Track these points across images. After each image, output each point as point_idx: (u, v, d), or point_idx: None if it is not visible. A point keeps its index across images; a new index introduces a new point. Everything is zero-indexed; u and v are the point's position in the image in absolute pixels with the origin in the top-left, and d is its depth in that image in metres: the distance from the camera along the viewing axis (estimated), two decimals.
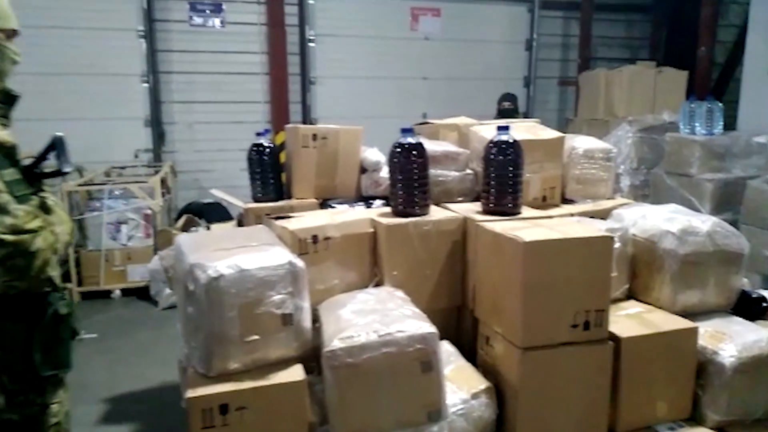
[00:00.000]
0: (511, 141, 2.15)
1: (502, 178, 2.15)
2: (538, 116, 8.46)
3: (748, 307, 2.24)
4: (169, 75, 6.88)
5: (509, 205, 2.16)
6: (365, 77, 7.65)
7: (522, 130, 2.63)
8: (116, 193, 4.97)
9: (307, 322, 1.70)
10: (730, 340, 2.00)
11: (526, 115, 8.37)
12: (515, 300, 1.77)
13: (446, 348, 2.04)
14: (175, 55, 6.87)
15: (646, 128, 5.23)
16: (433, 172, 2.59)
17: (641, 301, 2.24)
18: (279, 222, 1.99)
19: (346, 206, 2.58)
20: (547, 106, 8.69)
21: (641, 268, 2.25)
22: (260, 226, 2.09)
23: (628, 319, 2.06)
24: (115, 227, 4.94)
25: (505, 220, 2.06)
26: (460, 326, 2.25)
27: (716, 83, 7.52)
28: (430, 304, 2.13)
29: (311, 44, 7.30)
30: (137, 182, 5.17)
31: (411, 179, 2.11)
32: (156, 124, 6.83)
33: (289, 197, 2.71)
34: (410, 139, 2.13)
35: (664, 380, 1.98)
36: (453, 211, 2.22)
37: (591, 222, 2.29)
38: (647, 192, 5.18)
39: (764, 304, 2.22)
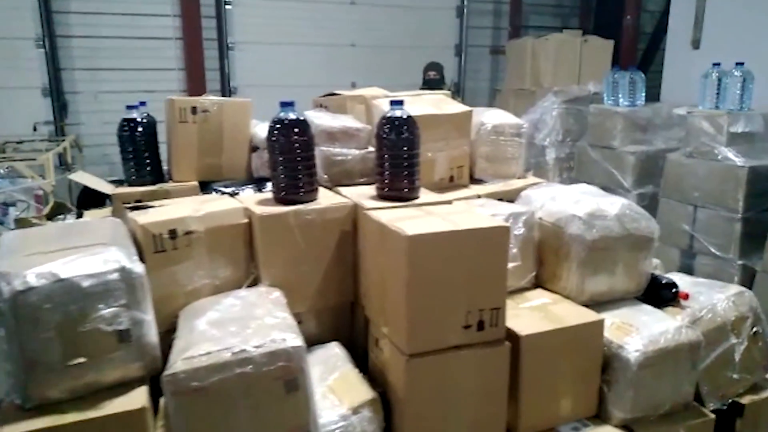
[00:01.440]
0: (405, 117, 1.91)
1: (396, 159, 1.91)
2: (470, 86, 8.34)
3: (658, 293, 2.12)
4: (69, 39, 6.26)
5: (405, 189, 1.93)
6: (289, 43, 7.22)
7: (426, 103, 2.40)
8: (1, 171, 4.46)
9: (150, 337, 1.43)
10: (636, 333, 1.87)
11: (457, 85, 8.20)
12: (400, 300, 1.56)
13: (335, 352, 1.82)
14: (75, 17, 6.24)
15: (572, 99, 5.14)
16: (331, 150, 2.34)
17: (549, 290, 2.08)
18: (131, 213, 1.69)
19: (231, 189, 2.31)
20: (480, 75, 8.53)
21: (548, 255, 2.09)
22: (110, 219, 1.79)
23: (532, 313, 1.90)
24: (2, 210, 4.44)
25: (398, 206, 1.83)
26: (354, 325, 2.03)
27: (644, 53, 7.54)
28: (317, 302, 1.91)
29: (228, 6, 6.81)
30: (25, 159, 4.66)
31: (293, 161, 1.85)
32: (56, 93, 6.23)
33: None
34: (291, 115, 1.85)
35: (568, 377, 1.83)
36: (344, 196, 1.97)
37: (496, 205, 2.10)
38: (573, 165, 5.11)
39: (674, 290, 2.10)
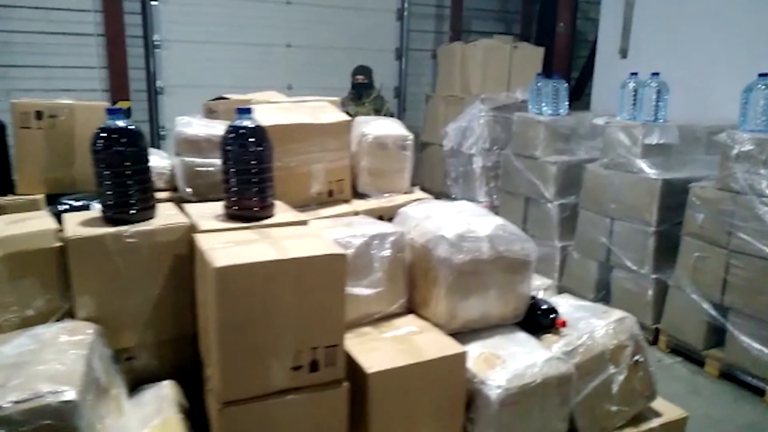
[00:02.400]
0: (252, 127, 1.72)
1: (243, 174, 1.71)
2: (412, 91, 8.19)
3: (536, 320, 1.99)
4: None
5: (255, 208, 1.74)
6: (220, 42, 6.93)
7: (303, 112, 2.22)
8: None
9: None
10: (502, 366, 1.72)
11: (398, 90, 8.05)
12: (213, 339, 1.36)
13: (164, 393, 1.62)
14: None
15: (500, 107, 5.04)
16: (194, 161, 2.16)
17: (421, 316, 1.92)
18: None
19: (82, 203, 2.09)
20: (422, 80, 8.38)
21: (419, 279, 1.93)
22: None
23: (391, 344, 1.73)
24: None
25: (237, 228, 1.64)
26: (198, 359, 1.82)
27: (586, 61, 7.54)
28: (149, 335, 1.69)
29: (154, 2, 6.48)
30: None
31: (121, 174, 1.63)
32: None
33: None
34: (120, 123, 1.64)
35: (427, 416, 1.67)
36: (186, 215, 1.76)
37: (364, 224, 1.92)
38: (500, 173, 5.01)
39: (552, 316, 1.97)
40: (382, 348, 1.70)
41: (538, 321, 1.99)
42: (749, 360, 3.12)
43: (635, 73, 3.87)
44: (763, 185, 3.00)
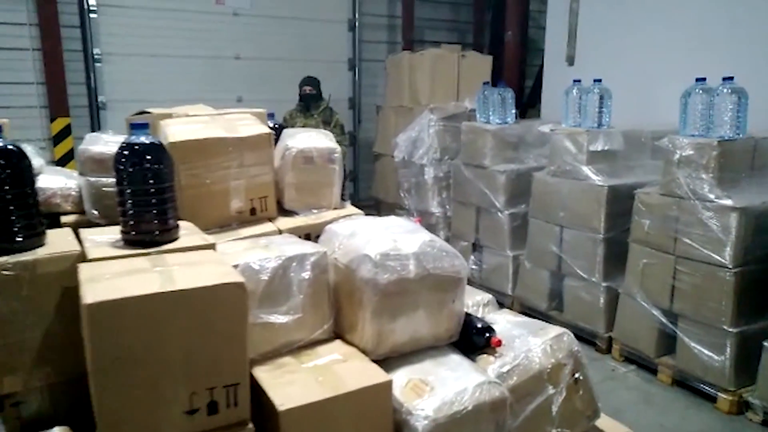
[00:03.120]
0: (148, 143, 1.56)
1: (139, 196, 1.56)
2: (367, 102, 8.10)
3: (471, 340, 1.88)
4: None
5: (154, 232, 1.58)
6: (166, 55, 6.72)
7: (219, 125, 2.07)
8: None
9: None
10: (430, 393, 1.60)
11: (352, 101, 7.96)
12: (90, 383, 1.20)
13: None
14: None
15: (449, 116, 4.97)
16: (101, 180, 2.01)
17: (348, 342, 1.79)
18: None
19: None
20: (377, 90, 8.31)
21: (344, 302, 1.80)
22: None
23: (310, 375, 1.59)
24: None
25: (129, 255, 1.48)
26: None
27: (539, 69, 7.57)
28: (35, 378, 1.51)
29: (93, 15, 6.25)
30: None
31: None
32: None
33: None
34: None
35: None
36: (80, 241, 1.59)
37: (284, 244, 1.78)
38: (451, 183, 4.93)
39: (487, 335, 1.86)
40: (299, 381, 1.56)
41: (473, 341, 1.88)
42: (700, 367, 3.08)
43: (579, 80, 3.84)
44: (705, 190, 2.98)
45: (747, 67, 3.82)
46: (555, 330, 1.94)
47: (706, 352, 3.04)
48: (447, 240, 5.01)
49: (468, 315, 1.95)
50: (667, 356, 3.32)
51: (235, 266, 1.60)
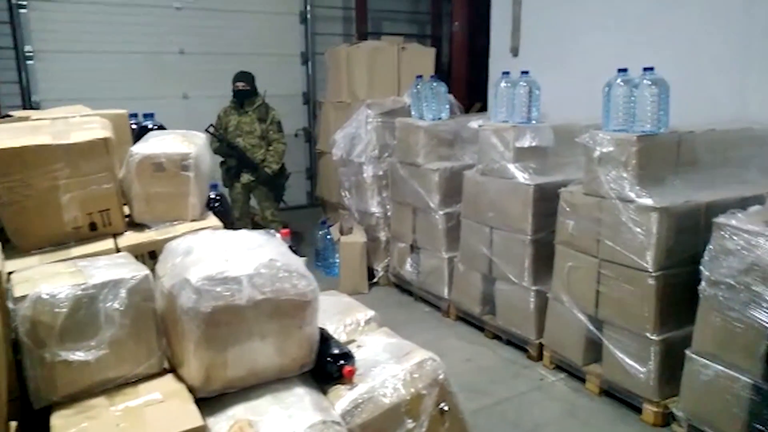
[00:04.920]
0: None
1: None
2: (321, 97, 7.85)
3: (324, 369, 1.67)
4: None
5: None
6: (105, 51, 6.45)
7: (48, 131, 1.85)
8: None
9: None
10: None
11: (306, 96, 7.72)
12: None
13: None
14: None
15: (387, 112, 4.74)
16: None
17: (179, 377, 1.58)
18: None
19: None
20: None
21: (171, 332, 1.59)
22: None
23: (112, 421, 1.39)
24: None
25: None
26: None
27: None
28: None
29: (23, 10, 5.95)
30: None
31: None
32: None
33: None
34: None
35: None
36: None
37: (99, 268, 1.56)
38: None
39: (341, 363, 1.66)
40: (94, 429, 1.35)
41: (327, 370, 1.68)
42: (625, 376, 2.90)
43: (507, 72, 3.64)
44: (626, 189, 2.79)
45: (694, 57, 3.66)
46: (420, 355, 1.76)
47: (630, 360, 2.86)
48: (387, 241, 4.83)
49: (327, 340, 1.75)
50: (595, 364, 3.14)
51: (23, 297, 1.39)
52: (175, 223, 1.98)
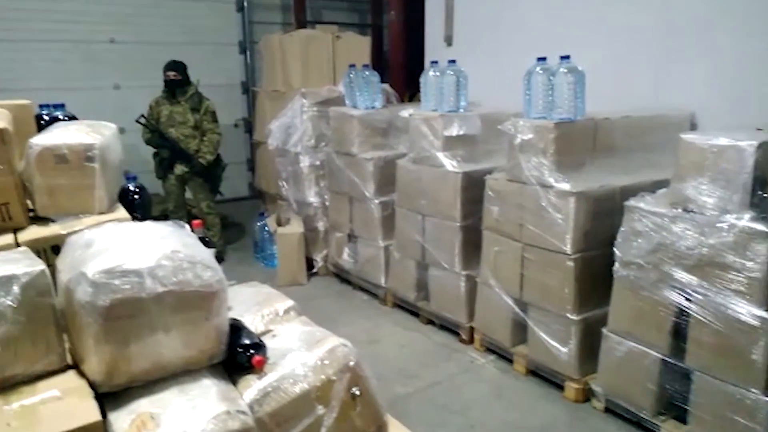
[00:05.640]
0: None
1: None
2: (258, 86, 7.74)
3: (234, 359, 1.67)
4: None
5: None
6: (30, 40, 6.17)
7: None
8: None
9: None
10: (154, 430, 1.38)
11: (245, 85, 7.59)
12: None
13: None
14: None
15: (323, 101, 4.72)
16: None
17: (81, 373, 1.55)
18: None
19: None
20: None
21: (71, 327, 1.55)
22: None
23: (2, 420, 1.34)
24: None
25: None
26: None
27: None
28: None
29: None
30: None
31: None
32: None
33: None
34: None
35: None
36: None
37: None
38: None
39: (251, 353, 1.65)
40: None
41: (237, 360, 1.67)
42: (548, 356, 3.01)
43: (435, 62, 3.68)
44: (545, 174, 2.87)
45: (617, 46, 3.77)
46: (332, 342, 1.76)
47: (552, 341, 2.97)
48: (325, 231, 4.83)
49: (239, 330, 1.74)
50: (522, 345, 3.24)
51: None
52: (81, 216, 1.92)
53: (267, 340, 1.79)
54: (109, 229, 1.71)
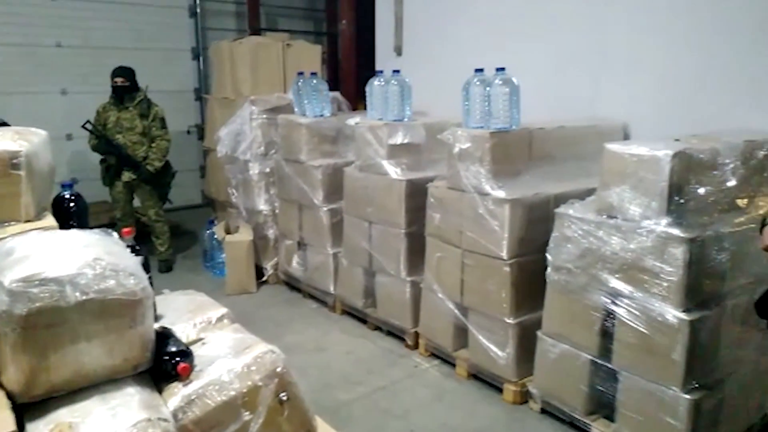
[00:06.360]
0: None
1: None
2: (217, 94, 7.67)
3: (160, 367, 1.67)
4: None
5: None
6: None
7: None
8: None
9: None
10: None
11: (198, 92, 7.52)
12: None
13: None
14: None
15: (272, 108, 4.72)
16: None
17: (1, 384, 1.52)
18: None
19: None
20: None
21: None
22: None
23: None
24: None
25: None
26: None
27: None
28: None
29: None
30: None
31: None
32: None
33: None
34: None
35: None
36: None
37: None
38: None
39: (176, 360, 1.66)
40: None
41: (163, 368, 1.67)
42: (488, 359, 3.09)
43: (381, 71, 3.75)
44: (482, 183, 2.96)
45: (557, 56, 3.90)
46: (260, 348, 1.78)
47: (491, 344, 3.05)
48: (275, 239, 4.82)
49: (166, 338, 1.74)
50: (463, 349, 3.31)
51: None
52: (6, 224, 1.89)
53: (196, 348, 1.80)
54: (32, 237, 1.70)
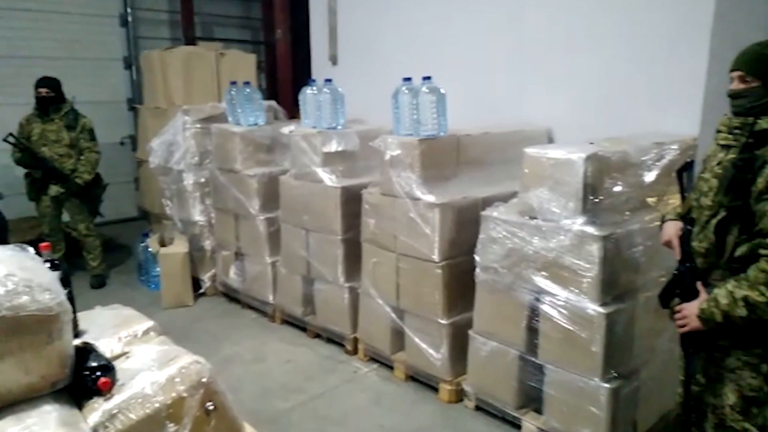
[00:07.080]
0: None
1: None
2: (149, 104, 7.49)
3: (80, 383, 1.64)
4: None
5: None
6: None
7: None
8: None
9: None
10: None
11: (131, 101, 7.32)
12: None
13: None
14: None
15: (206, 118, 4.67)
16: None
17: None
18: None
19: None
20: None
21: None
22: None
23: None
24: None
25: None
26: None
27: None
28: None
29: None
30: None
31: None
32: None
33: None
34: None
35: None
36: None
37: None
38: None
39: (96, 375, 1.63)
40: None
41: (83, 384, 1.64)
42: (424, 360, 3.16)
43: (313, 80, 3.78)
44: (413, 188, 3.03)
45: (484, 64, 4.01)
46: (185, 359, 1.77)
47: (426, 345, 3.12)
48: (212, 250, 4.76)
49: (87, 353, 1.71)
50: (401, 352, 3.37)
51: None
52: None
53: (120, 362, 1.77)
54: None
